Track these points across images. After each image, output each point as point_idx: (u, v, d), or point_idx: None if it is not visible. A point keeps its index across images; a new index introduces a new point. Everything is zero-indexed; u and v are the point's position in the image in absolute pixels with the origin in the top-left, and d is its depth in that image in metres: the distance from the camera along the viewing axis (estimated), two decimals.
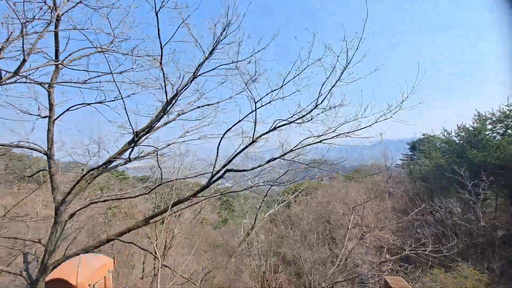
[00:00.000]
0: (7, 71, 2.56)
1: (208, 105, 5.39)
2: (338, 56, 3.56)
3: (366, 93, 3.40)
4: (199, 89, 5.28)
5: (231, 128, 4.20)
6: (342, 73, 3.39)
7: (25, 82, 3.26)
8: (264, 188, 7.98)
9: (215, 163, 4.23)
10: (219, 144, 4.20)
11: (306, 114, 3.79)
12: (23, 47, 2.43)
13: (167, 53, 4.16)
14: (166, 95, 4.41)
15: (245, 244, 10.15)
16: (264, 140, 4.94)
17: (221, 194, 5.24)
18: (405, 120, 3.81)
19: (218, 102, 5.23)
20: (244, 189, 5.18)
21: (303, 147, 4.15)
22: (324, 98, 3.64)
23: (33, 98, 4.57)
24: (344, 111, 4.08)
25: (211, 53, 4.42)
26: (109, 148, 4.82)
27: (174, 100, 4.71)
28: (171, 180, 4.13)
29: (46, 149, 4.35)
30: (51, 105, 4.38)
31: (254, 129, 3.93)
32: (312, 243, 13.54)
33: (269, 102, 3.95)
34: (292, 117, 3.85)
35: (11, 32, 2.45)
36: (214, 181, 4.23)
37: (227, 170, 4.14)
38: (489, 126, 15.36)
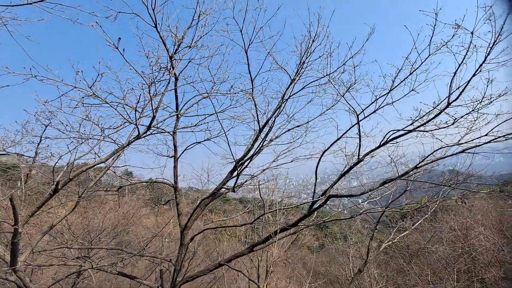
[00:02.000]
0: (144, 125, 3.33)
1: (298, 126, 5.20)
2: (472, 33, 2.55)
3: None
4: (287, 113, 5.24)
5: (328, 147, 3.75)
6: (489, 50, 2.34)
7: (157, 133, 4.18)
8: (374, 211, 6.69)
9: (314, 188, 3.82)
10: (317, 166, 3.81)
11: (433, 117, 2.83)
12: (152, 106, 3.08)
13: (258, 84, 4.37)
14: (259, 124, 4.56)
15: (358, 279, 8.64)
16: (369, 157, 4.13)
17: (323, 222, 4.68)
18: None
19: (307, 122, 4.96)
20: (351, 217, 4.40)
21: (434, 161, 3.09)
22: (462, 92, 2.61)
23: (164, 143, 5.89)
24: (497, 105, 2.79)
25: (297, 73, 4.31)
26: (216, 177, 5.43)
27: (266, 127, 4.82)
28: (274, 211, 4.03)
29: (173, 182, 5.36)
30: (175, 147, 5.46)
31: (360, 146, 3.31)
32: (453, 287, 9.93)
33: (375, 111, 3.26)
34: (412, 124, 2.98)
35: (140, 95, 3.20)
36: (316, 209, 3.79)
37: (330, 196, 3.61)
38: None
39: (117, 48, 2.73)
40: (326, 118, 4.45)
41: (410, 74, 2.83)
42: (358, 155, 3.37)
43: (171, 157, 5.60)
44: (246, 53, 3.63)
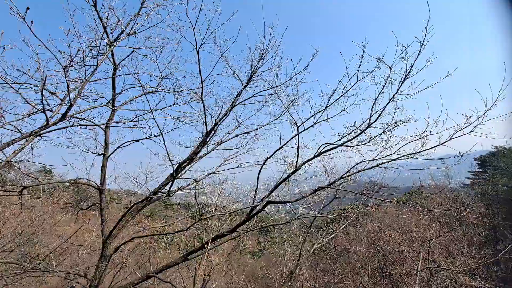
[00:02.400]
0: (60, 114, 2.78)
1: (246, 132, 5.27)
2: (390, 68, 3.10)
3: (434, 106, 2.81)
4: (237, 118, 5.25)
5: (271, 155, 3.90)
6: (400, 85, 2.89)
7: (80, 125, 3.56)
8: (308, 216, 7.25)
9: (255, 195, 3.90)
10: (259, 173, 3.91)
11: (357, 135, 3.29)
12: (68, 92, 2.61)
13: (207, 84, 4.24)
14: (206, 126, 4.41)
15: (290, 281, 9.14)
16: (306, 166, 4.49)
17: (262, 228, 4.80)
18: (489, 134, 3.03)
19: (256, 129, 5.07)
20: (286, 222, 4.66)
21: (355, 173, 3.57)
22: (379, 116, 3.12)
23: (93, 138, 5.06)
24: (406, 129, 3.42)
25: (248, 81, 4.38)
26: (155, 180, 4.96)
27: (213, 131, 4.70)
28: (210, 216, 3.89)
29: (99, 184, 4.63)
30: (106, 143, 4.75)
31: (297, 156, 3.55)
32: (367, 282, 11.59)
33: (313, 125, 3.58)
34: (340, 139, 3.38)
35: (46, 77, 2.69)
36: (254, 215, 3.86)
37: (268, 202, 3.75)
38: None
39: (23, 18, 2.24)
40: (272, 127, 4.65)
41: (341, 95, 3.25)
42: (296, 164, 3.62)
43: (100, 154, 4.87)
44: (198, 53, 3.50)
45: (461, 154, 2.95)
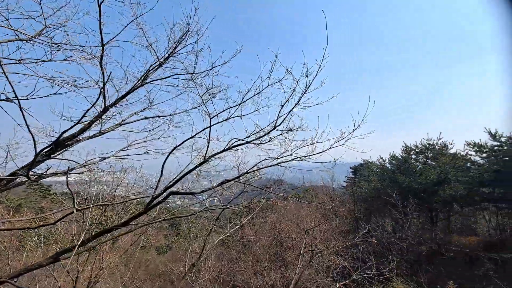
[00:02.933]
0: None
1: (159, 116, 4.79)
2: (297, 81, 3.58)
3: (322, 119, 3.44)
4: (149, 98, 4.69)
5: (180, 144, 3.72)
6: (301, 97, 3.38)
7: None
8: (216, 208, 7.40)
9: (157, 184, 3.61)
10: (164, 162, 3.64)
11: (264, 135, 3.62)
12: None
13: (113, 50, 3.54)
14: (105, 100, 3.70)
15: (192, 274, 9.05)
16: (219, 159, 4.56)
17: (163, 220, 4.51)
18: (355, 148, 4.00)
19: (171, 115, 4.70)
20: (191, 214, 4.57)
21: (259, 169, 3.91)
22: (283, 120, 3.55)
23: None
24: (302, 135, 4.05)
25: (166, 59, 3.99)
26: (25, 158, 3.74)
27: (114, 107, 4.01)
28: (87, 207, 3.28)
29: None
30: None
31: (207, 147, 3.54)
32: (264, 267, 13.03)
33: (227, 119, 3.66)
34: (249, 137, 3.62)
35: None
36: (154, 206, 3.57)
37: (171, 193, 3.56)
38: (414, 156, 18.19)
39: None
40: (187, 116, 4.43)
41: (254, 95, 3.50)
42: (205, 156, 3.61)
43: None
44: (100, 6, 2.86)
45: (335, 160, 3.78)
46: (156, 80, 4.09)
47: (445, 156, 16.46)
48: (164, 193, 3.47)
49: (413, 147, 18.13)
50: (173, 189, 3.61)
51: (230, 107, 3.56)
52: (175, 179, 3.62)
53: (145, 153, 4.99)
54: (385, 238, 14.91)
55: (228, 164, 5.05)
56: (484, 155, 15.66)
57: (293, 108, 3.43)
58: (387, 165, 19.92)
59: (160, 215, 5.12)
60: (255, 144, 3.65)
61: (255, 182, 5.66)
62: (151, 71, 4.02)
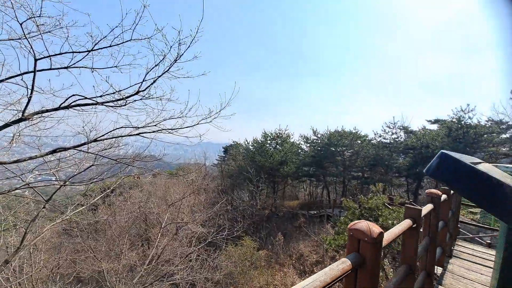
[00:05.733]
0: None
1: None
2: (171, 47, 3.35)
3: (193, 95, 3.49)
4: None
5: None
6: (172, 64, 3.20)
7: None
8: (49, 188, 5.65)
9: None
10: None
11: (122, 98, 3.13)
12: None
13: None
14: None
15: (7, 273, 6.51)
16: (55, 121, 3.43)
17: None
18: (220, 127, 4.43)
19: None
20: (2, 192, 3.22)
21: (114, 137, 3.38)
22: (150, 85, 3.23)
23: None
24: (172, 107, 3.89)
25: None
26: None
27: None
28: None
29: None
30: None
31: (29, 100, 2.55)
32: (121, 250, 11.74)
33: (67, 67, 2.76)
34: (101, 97, 2.98)
35: None
36: None
37: None
38: (269, 141, 22.76)
39: None
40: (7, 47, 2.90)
41: (111, 46, 2.87)
42: (23, 111, 2.59)
43: None
44: None
45: (200, 136, 4.01)
46: None
47: (288, 143, 22.07)
48: None
49: (269, 134, 22.64)
50: None
51: (74, 52, 2.72)
52: None
53: None
54: (241, 206, 18.02)
55: (72, 129, 3.95)
56: (308, 145, 22.72)
57: (161, 74, 3.20)
58: (250, 147, 23.66)
59: None
60: (108, 106, 3.07)
61: (110, 154, 4.85)
62: None
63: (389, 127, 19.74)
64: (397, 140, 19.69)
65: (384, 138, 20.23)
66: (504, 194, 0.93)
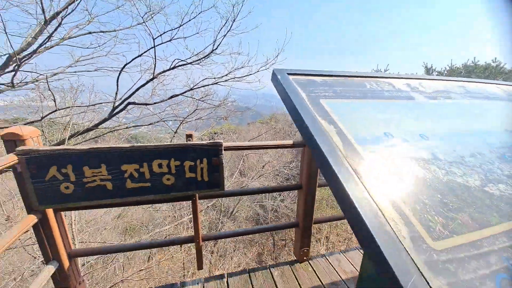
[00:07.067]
0: None
1: (103, 32, 4.95)
2: (234, 6, 4.11)
3: (253, 47, 4.27)
4: (89, 11, 4.69)
5: (130, 62, 4.28)
6: (231, 24, 4.04)
7: None
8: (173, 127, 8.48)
9: (116, 96, 4.37)
10: (118, 76, 4.27)
11: (203, 57, 4.37)
12: None
13: None
14: (44, 13, 3.82)
15: None
16: (170, 78, 5.26)
17: (126, 128, 5.44)
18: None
19: (115, 30, 4.89)
20: (149, 124, 5.56)
21: (200, 87, 4.84)
22: (219, 44, 4.27)
23: None
24: (241, 60, 4.87)
25: None
26: None
27: (56, 20, 4.12)
28: (84, 106, 3.98)
29: None
30: None
31: (155, 66, 4.22)
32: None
33: (170, 41, 4.20)
34: (190, 58, 4.34)
35: None
36: (116, 113, 4.44)
37: (129, 103, 4.40)
38: None
39: None
40: (131, 33, 4.71)
41: (190, 20, 3.98)
42: (153, 73, 4.33)
43: None
44: None
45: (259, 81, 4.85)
46: None
47: None
48: (124, 103, 4.29)
49: None
50: (130, 100, 4.42)
51: (172, 29, 4.06)
52: (132, 92, 4.39)
53: (95, 70, 5.35)
54: None
55: (179, 84, 5.78)
56: None
57: (225, 34, 4.13)
58: None
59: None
60: (196, 64, 4.43)
61: (206, 100, 6.61)
62: None
63: None
64: None
65: None
66: None
